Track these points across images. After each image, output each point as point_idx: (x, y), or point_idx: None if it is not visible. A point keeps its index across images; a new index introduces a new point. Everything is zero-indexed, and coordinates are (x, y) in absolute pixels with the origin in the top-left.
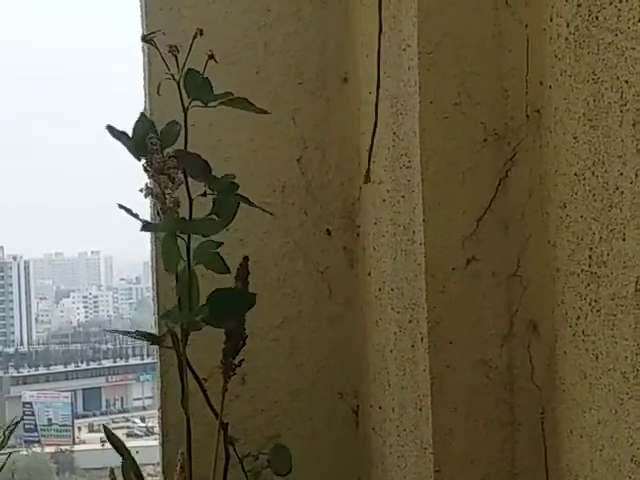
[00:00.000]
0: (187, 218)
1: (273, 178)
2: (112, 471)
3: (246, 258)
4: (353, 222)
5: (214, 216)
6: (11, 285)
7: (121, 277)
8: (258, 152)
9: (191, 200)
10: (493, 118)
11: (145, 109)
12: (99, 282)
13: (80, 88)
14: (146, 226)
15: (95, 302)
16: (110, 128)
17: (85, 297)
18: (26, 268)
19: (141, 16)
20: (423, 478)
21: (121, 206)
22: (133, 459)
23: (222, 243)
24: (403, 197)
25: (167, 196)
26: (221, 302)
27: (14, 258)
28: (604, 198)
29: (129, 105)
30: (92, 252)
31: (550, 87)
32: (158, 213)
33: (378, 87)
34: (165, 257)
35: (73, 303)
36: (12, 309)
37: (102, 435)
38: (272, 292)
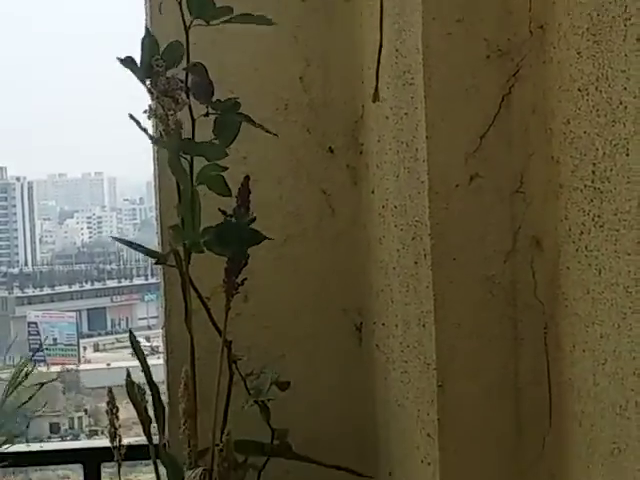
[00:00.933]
0: (190, 139)
1: (276, 96)
2: (110, 390)
3: (247, 178)
4: (356, 140)
5: (216, 138)
6: (15, 206)
7: (125, 198)
8: (260, 70)
9: (194, 121)
10: (496, 34)
11: (146, 26)
12: (103, 203)
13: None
14: (155, 140)
15: (99, 223)
16: (119, 58)
17: (89, 218)
18: (29, 189)
19: None
20: (426, 393)
21: (132, 117)
22: (150, 374)
23: (227, 168)
24: (406, 114)
25: (170, 117)
26: (227, 234)
27: (17, 179)
28: (608, 113)
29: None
30: (96, 173)
31: (554, 2)
32: (161, 135)
33: (381, 3)
34: (174, 173)
35: (77, 224)
36: (16, 230)
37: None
38: (275, 211)
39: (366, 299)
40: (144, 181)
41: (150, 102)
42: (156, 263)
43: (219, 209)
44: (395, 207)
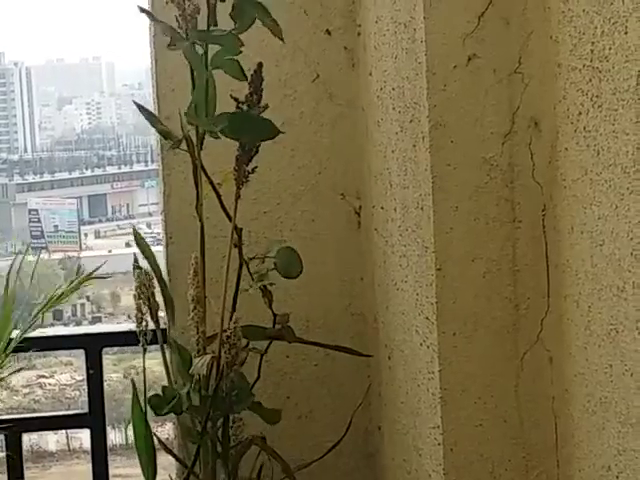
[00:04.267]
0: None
1: None
2: (139, 275)
3: (260, 64)
4: (353, 21)
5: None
6: (13, 92)
7: (124, 83)
8: None
9: (210, 6)
10: None
11: None
12: (101, 88)
13: None
14: (172, 44)
15: (98, 108)
16: None
17: (88, 103)
18: (27, 75)
19: None
20: (425, 277)
21: (142, 9)
22: (157, 264)
23: (241, 51)
24: None
25: (187, 2)
26: (241, 124)
27: (15, 64)
28: None
29: None
30: (94, 58)
31: None
32: (177, 20)
33: None
34: (190, 62)
35: (76, 109)
36: (15, 116)
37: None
38: (273, 94)
39: (365, 183)
40: (143, 66)
41: None
42: (170, 147)
43: (231, 96)
44: (393, 89)
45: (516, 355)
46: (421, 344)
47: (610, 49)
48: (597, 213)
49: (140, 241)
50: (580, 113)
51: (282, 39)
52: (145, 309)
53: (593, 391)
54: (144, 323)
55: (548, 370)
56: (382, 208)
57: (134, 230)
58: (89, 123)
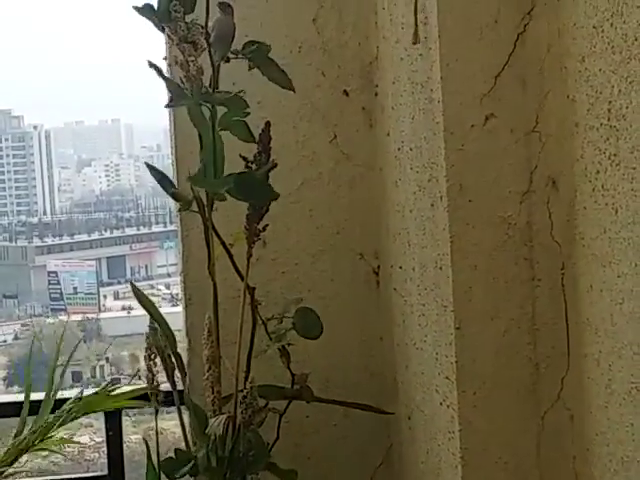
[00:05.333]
0: (210, 84)
1: (289, 39)
2: (149, 336)
3: (268, 124)
4: (371, 82)
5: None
6: (32, 155)
7: (142, 145)
8: (274, 13)
9: (214, 67)
10: None
11: None
12: (120, 150)
13: None
14: (172, 102)
15: (117, 170)
16: (136, 7)
17: (107, 165)
18: (47, 137)
19: None
20: (444, 336)
21: (151, 64)
22: (165, 322)
23: (249, 113)
24: (421, 55)
25: (191, 64)
26: (248, 184)
27: (34, 127)
28: (623, 50)
29: None
30: (112, 120)
31: None
32: (182, 81)
33: None
34: (194, 123)
35: (95, 172)
36: (34, 179)
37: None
38: (291, 155)
39: (383, 242)
40: (161, 128)
41: (169, 49)
42: (180, 209)
43: (240, 155)
44: (411, 149)
45: (537, 414)
46: (441, 403)
47: (627, 108)
48: (616, 271)
49: (145, 302)
50: (598, 171)
51: (294, 90)
52: (156, 370)
53: (614, 450)
54: (155, 384)
55: (569, 429)
56: (401, 267)
57: (132, 286)
58: (108, 185)
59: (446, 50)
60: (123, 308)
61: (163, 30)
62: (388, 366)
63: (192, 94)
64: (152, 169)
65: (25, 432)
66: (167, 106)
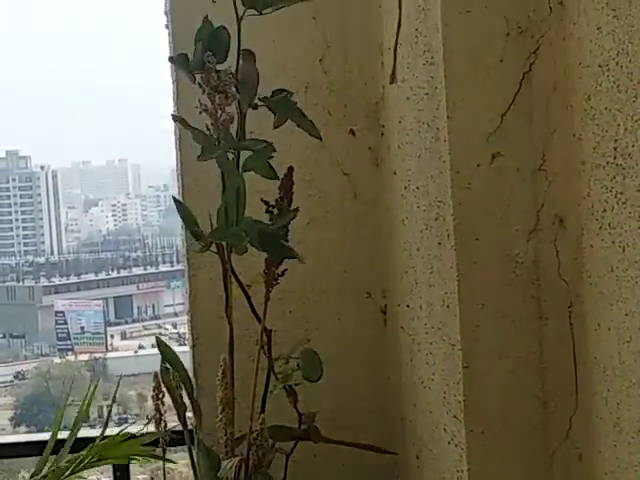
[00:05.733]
0: (238, 130)
1: (296, 79)
2: (156, 375)
3: (291, 168)
4: (377, 121)
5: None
6: (40, 195)
7: (149, 185)
8: (280, 54)
9: (242, 114)
10: (516, 11)
11: (166, 11)
12: (127, 190)
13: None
14: (204, 154)
15: (124, 210)
16: (170, 59)
17: (114, 205)
18: (54, 178)
19: None
20: (452, 374)
21: (175, 117)
22: (182, 364)
23: (272, 157)
24: (427, 94)
25: (220, 112)
26: (269, 239)
27: (42, 168)
28: (628, 89)
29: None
30: (119, 160)
31: None
32: (208, 128)
33: None
34: (223, 168)
35: (102, 212)
36: (41, 219)
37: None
38: (298, 194)
39: (390, 281)
40: (168, 167)
41: (200, 97)
42: (200, 250)
43: (262, 200)
44: (417, 188)
45: (545, 453)
46: (449, 442)
47: (633, 146)
48: (624, 310)
49: (163, 347)
50: (605, 210)
51: (320, 138)
52: (163, 410)
53: None
54: (162, 425)
55: (578, 468)
56: (408, 306)
57: (156, 337)
58: (115, 225)
59: (452, 89)
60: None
61: (194, 79)
62: (396, 405)
63: (219, 142)
64: (178, 203)
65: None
66: (199, 159)
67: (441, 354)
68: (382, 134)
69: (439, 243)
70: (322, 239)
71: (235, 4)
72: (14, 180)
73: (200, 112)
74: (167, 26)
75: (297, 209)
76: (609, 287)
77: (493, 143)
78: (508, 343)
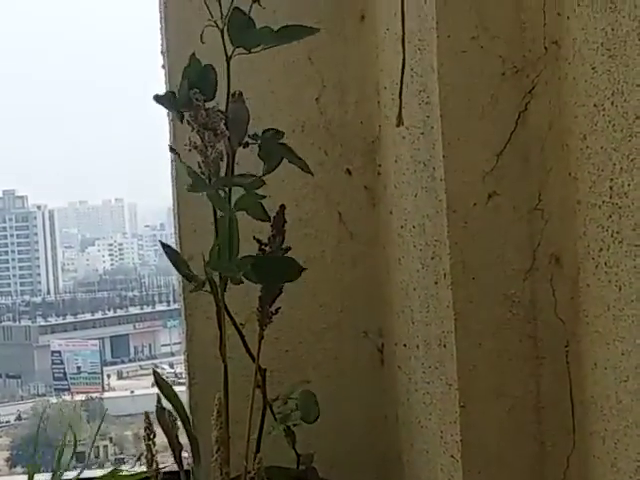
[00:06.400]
0: (227, 168)
1: (292, 118)
2: (147, 415)
3: (282, 207)
4: (373, 161)
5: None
6: (36, 235)
7: (145, 224)
8: (276, 93)
9: (232, 152)
10: (511, 51)
11: (162, 51)
12: (124, 229)
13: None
14: (192, 188)
15: (120, 249)
16: (156, 97)
17: (110, 245)
18: (51, 217)
19: None
20: (449, 414)
21: (172, 149)
22: (181, 404)
23: (265, 196)
24: (422, 134)
25: (210, 149)
26: (265, 267)
27: (38, 207)
28: (624, 128)
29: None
30: (116, 199)
31: (568, 18)
32: (200, 166)
33: (403, 22)
34: (215, 204)
35: (99, 251)
36: (38, 258)
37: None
38: (294, 233)
39: (387, 320)
40: (165, 207)
41: (173, 134)
42: (192, 290)
43: (254, 237)
44: (414, 227)
45: None
46: None
47: (629, 185)
48: (620, 349)
49: (162, 383)
50: (601, 249)
51: (312, 174)
52: (155, 450)
53: None
54: (155, 466)
55: None
56: (405, 345)
57: (154, 372)
58: (111, 264)
59: (448, 129)
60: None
61: (182, 117)
62: (393, 445)
63: (209, 179)
64: (166, 247)
65: None
66: (189, 190)
67: (438, 393)
68: (378, 173)
69: (436, 282)
70: (318, 279)
71: (224, 43)
72: (10, 220)
73: (189, 150)
74: (164, 66)
75: (289, 248)
76: (606, 326)
77: (489, 182)
78: (505, 382)
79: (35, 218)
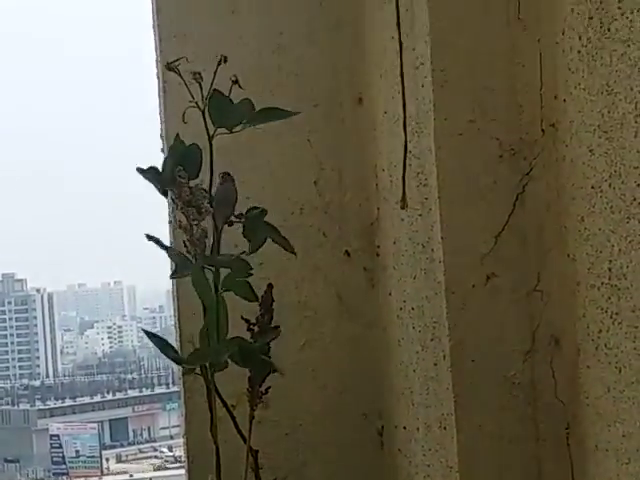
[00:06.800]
0: (213, 246)
1: (291, 201)
2: None
3: (270, 285)
4: (372, 242)
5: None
6: (35, 318)
7: (144, 306)
8: (275, 175)
9: (217, 230)
10: (508, 133)
11: (161, 135)
12: (123, 312)
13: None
14: (176, 272)
15: (119, 332)
16: (140, 169)
17: (109, 327)
18: (50, 300)
19: (155, 43)
20: None
21: (149, 237)
22: None
23: (252, 274)
24: (421, 215)
25: (195, 227)
26: (249, 354)
27: (37, 291)
28: (622, 210)
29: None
30: (115, 282)
31: (564, 100)
32: (185, 244)
33: (404, 105)
34: (197, 288)
35: (97, 334)
36: (37, 342)
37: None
38: (293, 315)
39: (387, 402)
40: (164, 289)
41: (173, 212)
42: (183, 373)
43: (242, 317)
44: (413, 308)
45: None
46: None
47: (627, 267)
48: (621, 431)
49: None
50: (600, 330)
51: (295, 254)
52: None
53: None
54: None
55: None
56: (405, 428)
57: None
58: (110, 347)
59: (446, 211)
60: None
61: (166, 194)
62: None
63: (195, 258)
64: (151, 336)
65: None
66: (172, 277)
67: (438, 476)
68: (377, 255)
69: (435, 364)
70: (318, 361)
71: (206, 124)
72: (10, 303)
73: (174, 229)
74: (163, 150)
75: (278, 327)
76: (606, 408)
77: (488, 264)
78: (506, 465)
79: (34, 301)
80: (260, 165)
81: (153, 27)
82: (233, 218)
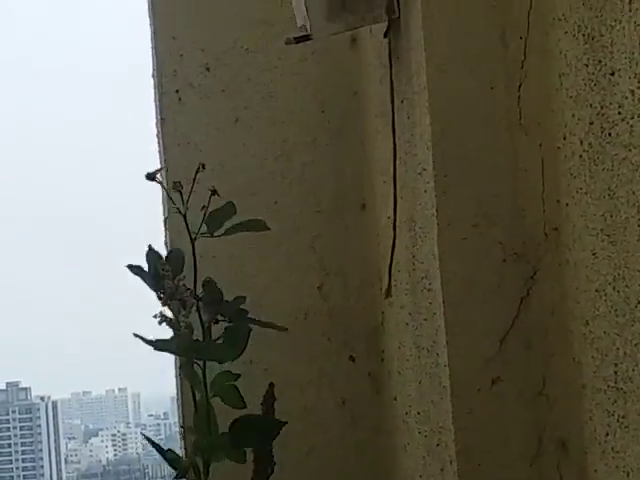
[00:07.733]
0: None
1: (295, 306)
2: None
3: (271, 385)
4: (377, 347)
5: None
6: (39, 426)
7: (149, 413)
8: (279, 281)
9: (203, 325)
10: (511, 238)
11: (165, 241)
12: (127, 419)
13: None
14: (158, 345)
15: (124, 440)
16: (130, 266)
17: (114, 435)
18: (54, 408)
19: (159, 151)
20: None
21: (136, 335)
22: None
23: (239, 375)
24: (425, 320)
25: (180, 320)
26: (243, 430)
27: (42, 399)
28: (626, 313)
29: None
30: (119, 389)
31: (567, 205)
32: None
33: (395, 205)
34: (189, 381)
35: (102, 442)
36: (41, 450)
37: None
38: (298, 421)
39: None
40: (168, 396)
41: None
42: (176, 477)
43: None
44: (418, 413)
45: None
46: None
47: (633, 370)
48: None
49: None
50: (607, 434)
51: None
52: None
53: None
54: None
55: None
56: None
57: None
58: (115, 455)
59: (451, 315)
60: None
61: (156, 291)
62: None
63: (182, 351)
64: (152, 443)
65: None
66: (155, 349)
67: None
68: (382, 359)
69: (441, 469)
70: (323, 467)
71: (188, 228)
72: (14, 412)
73: (159, 323)
74: (166, 244)
75: (286, 421)
76: None
77: (493, 368)
78: None
79: (38, 409)
80: (265, 270)
81: (157, 135)
82: (219, 317)
